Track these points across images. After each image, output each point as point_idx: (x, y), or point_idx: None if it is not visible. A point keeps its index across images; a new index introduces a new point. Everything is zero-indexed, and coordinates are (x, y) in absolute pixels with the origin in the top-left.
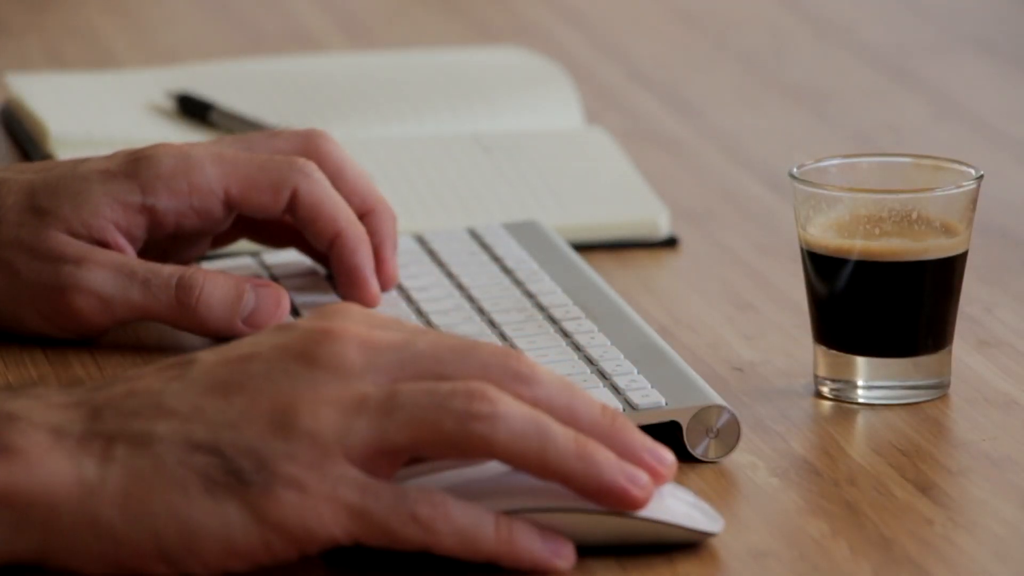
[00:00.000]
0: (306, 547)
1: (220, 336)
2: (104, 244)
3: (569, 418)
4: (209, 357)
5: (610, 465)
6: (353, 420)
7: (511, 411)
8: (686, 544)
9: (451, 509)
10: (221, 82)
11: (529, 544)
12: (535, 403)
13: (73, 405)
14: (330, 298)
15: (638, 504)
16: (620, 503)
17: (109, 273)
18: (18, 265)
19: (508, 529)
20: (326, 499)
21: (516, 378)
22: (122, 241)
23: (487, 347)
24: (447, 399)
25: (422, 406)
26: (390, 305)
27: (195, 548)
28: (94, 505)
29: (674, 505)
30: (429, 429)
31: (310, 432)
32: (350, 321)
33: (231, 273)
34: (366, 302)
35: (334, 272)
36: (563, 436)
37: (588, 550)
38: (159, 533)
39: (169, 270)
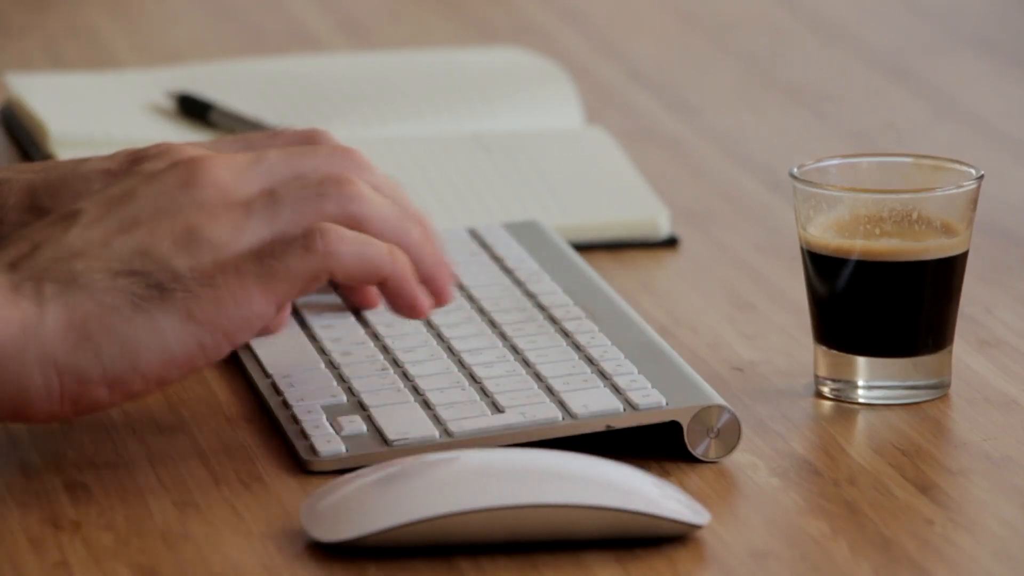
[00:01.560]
0: (235, 334)
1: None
2: None
3: (397, 199)
4: (90, 207)
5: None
6: (246, 223)
7: (370, 191)
8: (679, 538)
9: (342, 231)
10: (221, 82)
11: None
12: (375, 188)
13: None
14: (330, 297)
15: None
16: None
17: None
18: None
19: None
20: (237, 282)
21: (360, 167)
22: None
23: (326, 147)
24: (321, 187)
25: (302, 198)
26: None
27: (136, 363)
28: (39, 343)
29: (662, 500)
30: (314, 215)
31: (210, 239)
32: (197, 149)
33: None
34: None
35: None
36: (416, 213)
37: (588, 549)
38: (101, 355)
39: None
